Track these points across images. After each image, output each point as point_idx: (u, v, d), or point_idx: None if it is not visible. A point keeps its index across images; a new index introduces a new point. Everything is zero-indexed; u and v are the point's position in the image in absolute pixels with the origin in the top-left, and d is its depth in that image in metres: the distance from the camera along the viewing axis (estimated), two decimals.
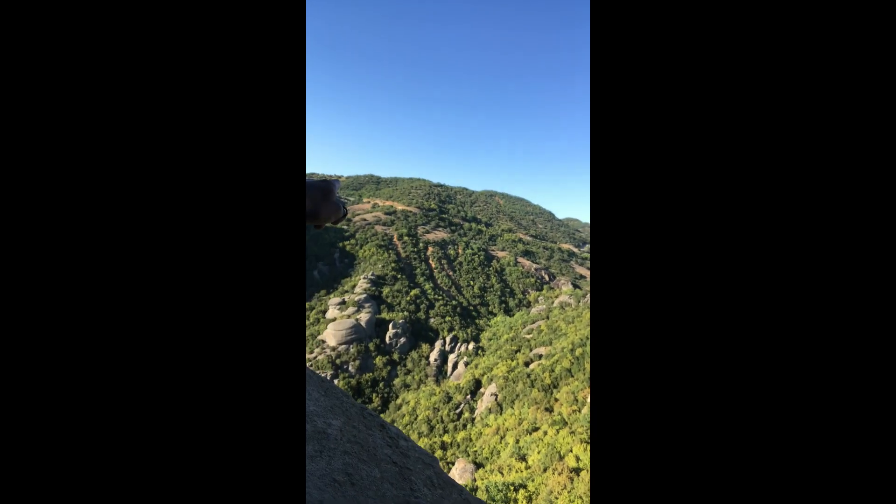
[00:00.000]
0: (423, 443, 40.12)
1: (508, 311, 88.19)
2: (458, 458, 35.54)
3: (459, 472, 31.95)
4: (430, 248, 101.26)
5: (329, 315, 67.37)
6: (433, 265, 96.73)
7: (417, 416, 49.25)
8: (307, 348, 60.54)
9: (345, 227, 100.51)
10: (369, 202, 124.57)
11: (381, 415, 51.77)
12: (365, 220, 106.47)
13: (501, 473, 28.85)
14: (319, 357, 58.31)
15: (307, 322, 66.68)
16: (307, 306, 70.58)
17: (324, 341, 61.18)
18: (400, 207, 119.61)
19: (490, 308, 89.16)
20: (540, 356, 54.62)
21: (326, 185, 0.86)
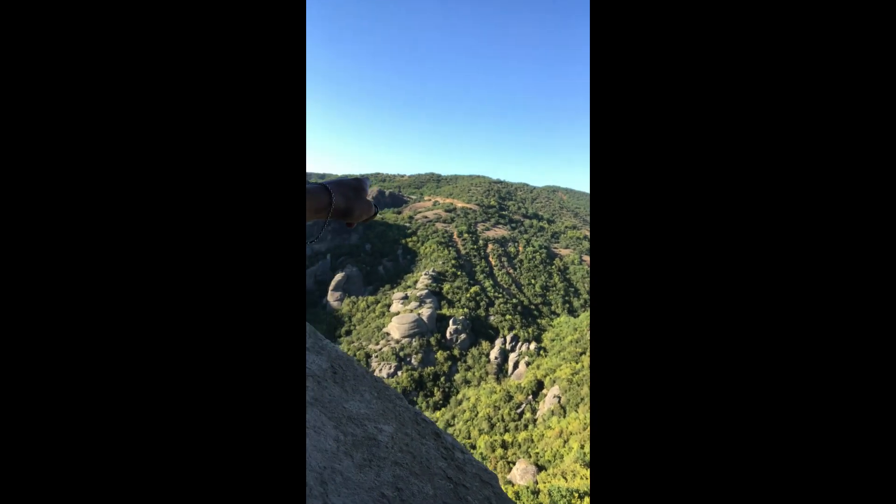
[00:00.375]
0: (483, 440, 40.23)
1: (573, 312, 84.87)
2: (519, 458, 35.13)
3: (521, 473, 31.56)
4: (490, 246, 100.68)
5: (393, 309, 70.07)
6: (493, 262, 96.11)
7: (478, 412, 49.45)
8: (373, 340, 63.66)
9: (407, 223, 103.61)
10: (430, 200, 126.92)
11: (442, 410, 53.00)
12: (426, 217, 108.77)
13: (565, 478, 27.97)
14: (385, 349, 61.02)
15: (373, 314, 69.95)
16: (373, 300, 74.00)
17: (388, 333, 63.81)
18: (460, 205, 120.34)
19: (553, 308, 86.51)
20: None
21: (358, 184, 0.86)
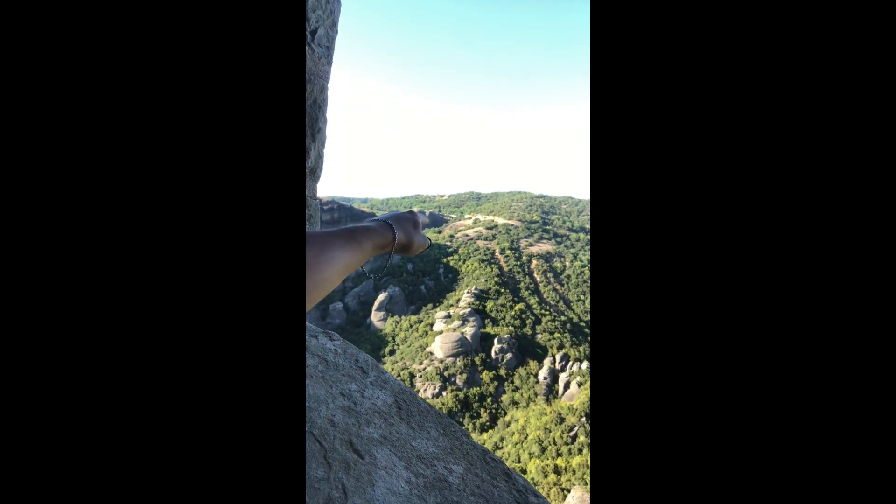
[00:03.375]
0: (533, 464, 37.85)
1: None
2: (574, 484, 32.48)
3: (577, 502, 29.07)
4: (535, 262, 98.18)
5: (436, 328, 69.67)
6: (538, 279, 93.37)
7: (528, 435, 46.99)
8: (417, 359, 63.27)
9: (447, 242, 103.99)
10: (470, 217, 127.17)
11: (489, 431, 50.96)
12: (467, 235, 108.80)
13: None
14: (429, 368, 60.40)
15: (416, 333, 69.87)
16: (416, 319, 74.13)
17: (432, 353, 63.25)
18: (501, 221, 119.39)
19: None
20: None
21: (413, 216, 0.89)
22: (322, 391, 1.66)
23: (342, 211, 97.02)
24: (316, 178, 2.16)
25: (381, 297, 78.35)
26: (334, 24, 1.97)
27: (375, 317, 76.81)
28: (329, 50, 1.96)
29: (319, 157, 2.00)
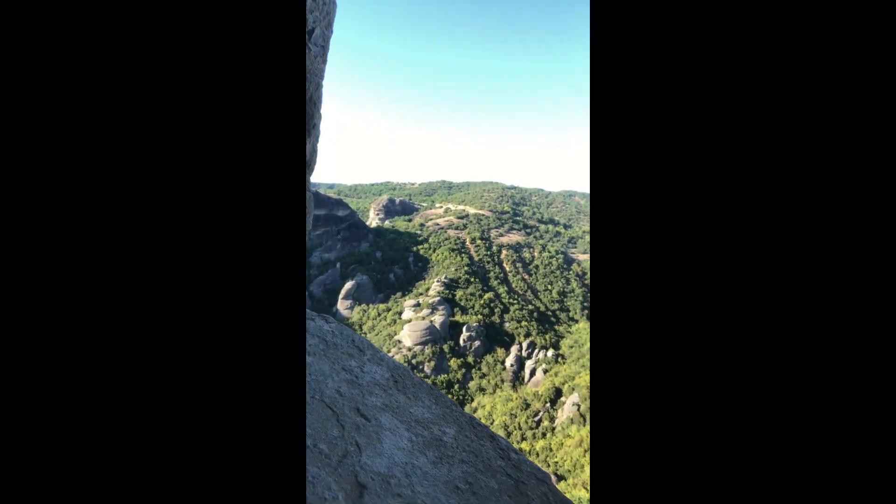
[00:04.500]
0: None
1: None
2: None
3: None
4: (504, 252, 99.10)
5: (405, 316, 69.02)
6: (507, 268, 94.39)
7: (494, 420, 47.63)
8: (384, 347, 62.50)
9: (418, 231, 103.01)
10: (441, 206, 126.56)
11: None
12: (437, 224, 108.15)
13: (586, 489, 25.99)
14: (396, 356, 59.86)
15: (385, 322, 68.95)
16: (384, 307, 73.10)
17: (400, 341, 62.72)
18: (472, 211, 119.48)
19: (571, 314, 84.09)
20: None
21: None
22: (326, 366, 1.86)
23: None
24: (310, 170, 2.33)
25: (349, 285, 76.69)
26: (329, 25, 2.04)
27: (342, 305, 75.17)
28: (324, 49, 2.04)
29: (314, 151, 2.17)
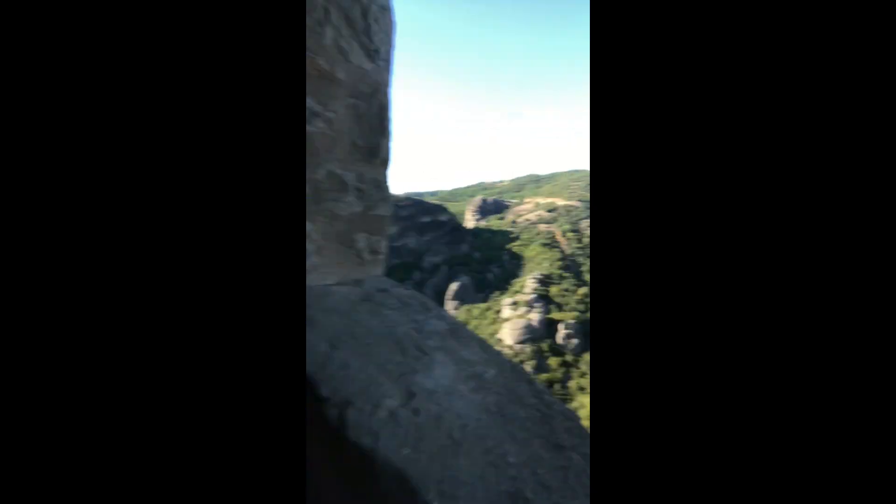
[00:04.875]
0: None
1: None
2: None
3: None
4: None
5: (504, 315, 75.10)
6: None
7: None
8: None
9: (510, 228, 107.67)
10: (530, 201, 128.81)
11: None
12: (528, 220, 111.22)
13: None
14: None
15: (486, 321, 76.07)
16: (485, 307, 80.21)
17: (502, 340, 69.07)
18: (561, 203, 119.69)
19: None
20: None
21: None
22: (401, 318, 2.47)
23: (416, 206, 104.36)
24: (386, 167, 2.77)
25: (454, 286, 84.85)
26: (391, 43, 2.40)
27: (450, 306, 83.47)
28: (388, 62, 2.47)
29: (388, 150, 2.47)
